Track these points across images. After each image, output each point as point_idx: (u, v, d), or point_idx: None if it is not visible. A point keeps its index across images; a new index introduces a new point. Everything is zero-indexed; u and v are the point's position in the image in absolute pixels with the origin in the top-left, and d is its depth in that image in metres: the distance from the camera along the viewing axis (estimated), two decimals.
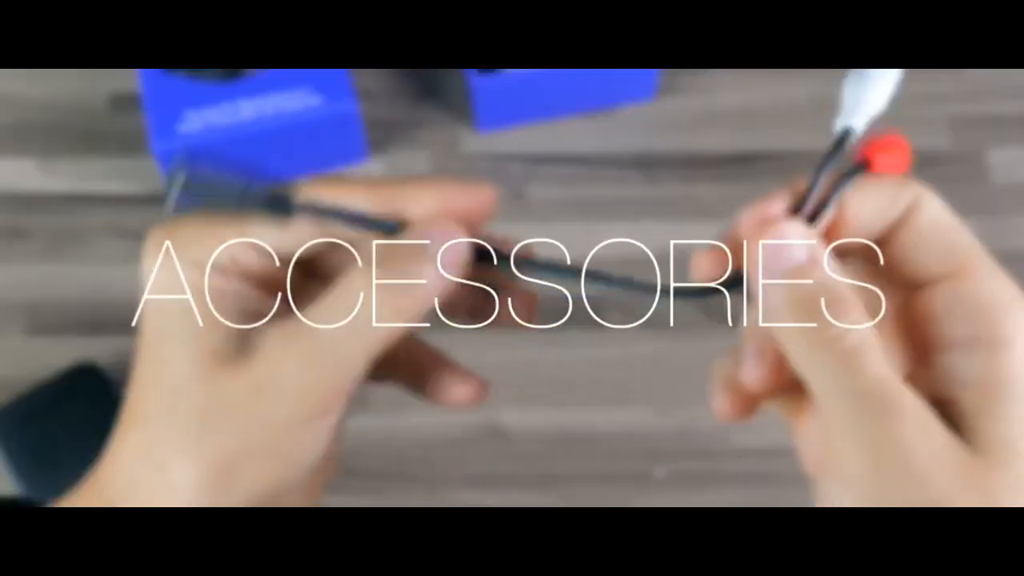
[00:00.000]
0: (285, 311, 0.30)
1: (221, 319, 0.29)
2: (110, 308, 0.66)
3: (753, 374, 0.30)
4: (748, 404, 0.31)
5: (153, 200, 0.69)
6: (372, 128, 0.70)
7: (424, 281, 0.29)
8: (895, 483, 0.26)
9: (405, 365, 0.35)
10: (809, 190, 0.30)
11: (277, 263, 0.31)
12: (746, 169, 0.71)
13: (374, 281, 0.29)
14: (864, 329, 0.27)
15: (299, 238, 0.30)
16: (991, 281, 0.28)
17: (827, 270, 0.28)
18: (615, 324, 0.66)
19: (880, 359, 0.27)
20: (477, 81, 0.68)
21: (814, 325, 0.27)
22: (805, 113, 0.73)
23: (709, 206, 0.69)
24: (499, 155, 0.71)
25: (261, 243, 0.30)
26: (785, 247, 0.28)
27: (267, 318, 0.30)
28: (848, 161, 0.31)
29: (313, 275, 0.32)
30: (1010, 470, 0.26)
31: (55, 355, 0.63)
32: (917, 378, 0.28)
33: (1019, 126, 0.72)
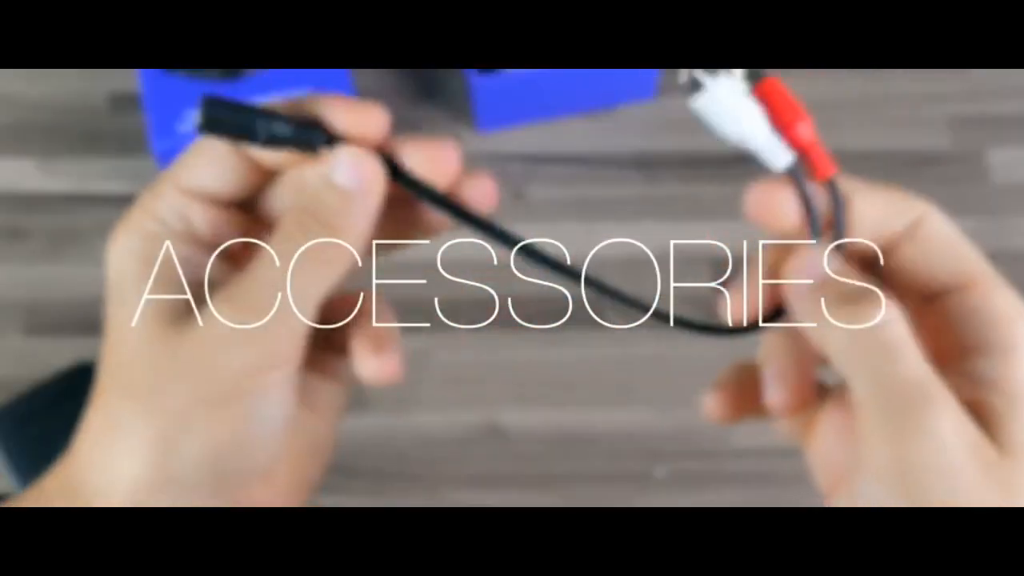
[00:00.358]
0: (233, 267, 0.31)
1: (166, 287, 0.30)
2: None
3: (777, 397, 0.31)
4: (740, 410, 0.32)
5: None
6: None
7: (343, 242, 0.30)
8: (926, 473, 0.26)
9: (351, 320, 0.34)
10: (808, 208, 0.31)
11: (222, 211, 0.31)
12: (746, 169, 0.71)
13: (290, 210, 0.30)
14: (902, 324, 0.28)
15: (228, 170, 0.31)
16: (1000, 293, 0.29)
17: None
18: (615, 324, 0.66)
19: (918, 353, 0.28)
20: (477, 81, 0.68)
21: (854, 320, 0.28)
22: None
23: (709, 206, 0.69)
24: (499, 155, 0.71)
25: (194, 185, 0.30)
26: (813, 266, 0.30)
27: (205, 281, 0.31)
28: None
29: (259, 227, 0.32)
30: None
31: (54, 355, 0.63)
32: None
33: (1019, 126, 0.72)
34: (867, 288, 0.29)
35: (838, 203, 0.31)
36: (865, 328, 0.28)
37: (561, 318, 0.66)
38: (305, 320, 0.30)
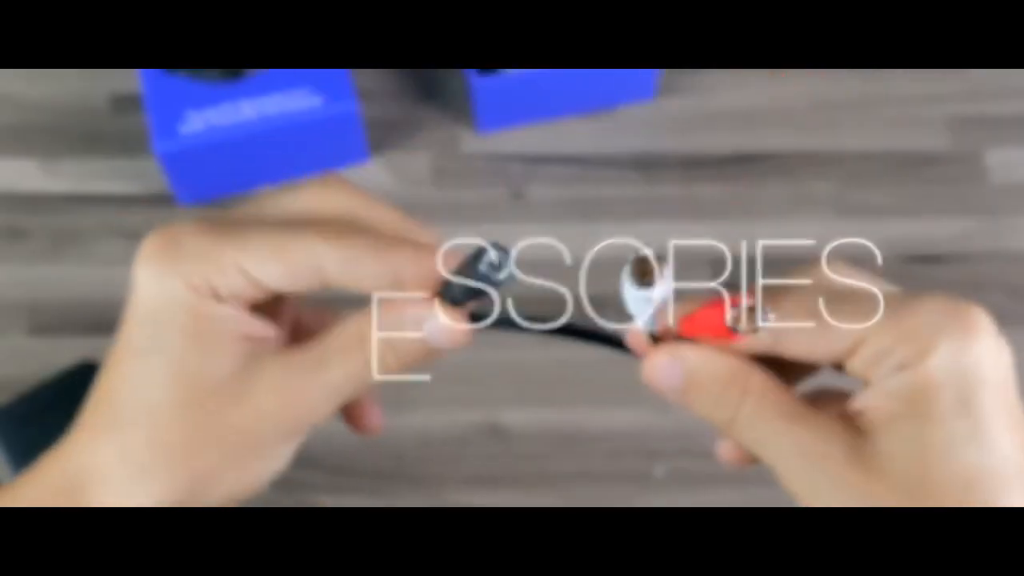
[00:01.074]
0: (273, 338, 0.32)
1: (210, 347, 0.31)
2: (111, 308, 0.65)
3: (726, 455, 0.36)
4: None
5: (154, 200, 0.69)
6: (372, 128, 0.70)
7: (422, 336, 0.32)
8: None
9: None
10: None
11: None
12: (744, 169, 0.71)
13: (374, 335, 0.31)
14: (752, 396, 0.31)
15: (297, 279, 0.31)
16: (886, 331, 0.30)
17: (701, 372, 0.33)
18: (614, 325, 0.66)
19: (774, 406, 0.31)
20: (477, 82, 0.68)
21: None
22: (803, 114, 0.73)
23: (708, 206, 0.70)
24: (499, 155, 0.71)
25: (259, 277, 0.31)
26: (663, 373, 0.34)
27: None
28: None
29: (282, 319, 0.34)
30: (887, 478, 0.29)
31: (56, 354, 0.63)
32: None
33: (1017, 126, 0.73)
34: (720, 382, 0.32)
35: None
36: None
37: (561, 318, 0.66)
38: (332, 413, 0.32)
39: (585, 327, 0.35)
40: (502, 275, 0.31)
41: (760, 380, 0.32)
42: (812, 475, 0.30)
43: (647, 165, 0.71)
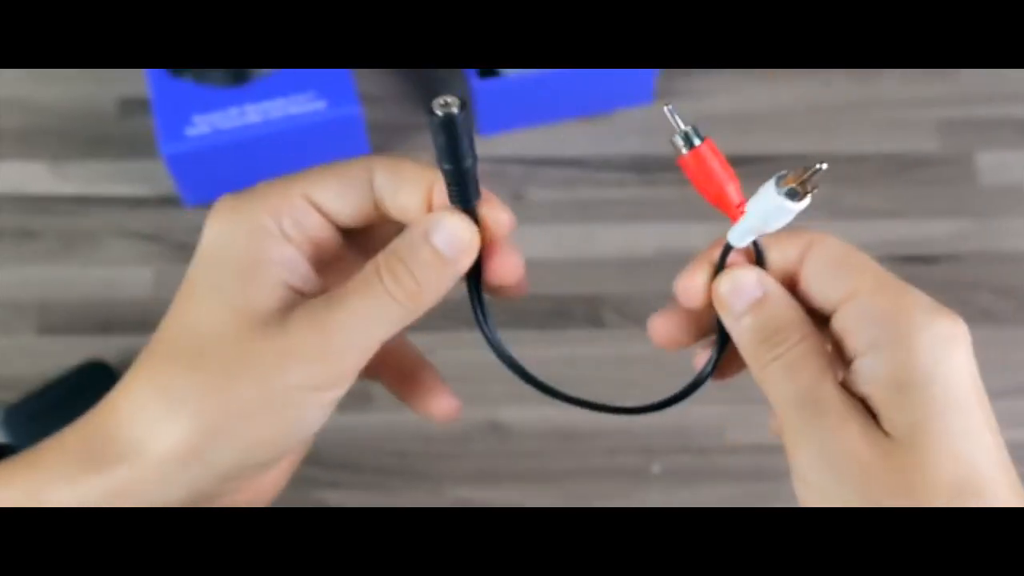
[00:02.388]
0: (330, 281, 0.33)
1: (257, 286, 0.31)
2: (119, 308, 0.67)
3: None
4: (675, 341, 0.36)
5: (161, 202, 0.70)
6: (375, 132, 0.71)
7: (432, 275, 0.32)
8: (828, 466, 0.30)
9: (393, 368, 0.38)
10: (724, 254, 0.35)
11: (334, 233, 0.33)
12: (742, 171, 0.71)
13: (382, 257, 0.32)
14: (801, 345, 0.32)
15: (361, 210, 0.33)
16: (880, 296, 0.31)
17: (775, 301, 0.33)
18: (613, 324, 0.67)
19: (813, 369, 0.31)
20: (477, 85, 0.69)
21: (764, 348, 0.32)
22: (797, 117, 0.74)
23: (706, 208, 0.70)
24: (499, 157, 0.72)
25: (321, 202, 0.32)
26: (743, 287, 0.33)
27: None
28: None
29: (360, 249, 0.35)
30: (915, 450, 0.29)
31: (65, 354, 0.64)
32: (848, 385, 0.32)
33: (1007, 129, 0.73)
34: (779, 317, 0.32)
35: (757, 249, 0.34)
36: (771, 355, 0.32)
37: (560, 318, 0.67)
38: (370, 353, 0.32)
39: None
40: (454, 110, 0.30)
41: (818, 341, 0.32)
42: (832, 443, 0.30)
43: (645, 167, 0.72)
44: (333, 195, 0.33)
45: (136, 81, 0.71)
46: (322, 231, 0.33)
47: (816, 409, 0.31)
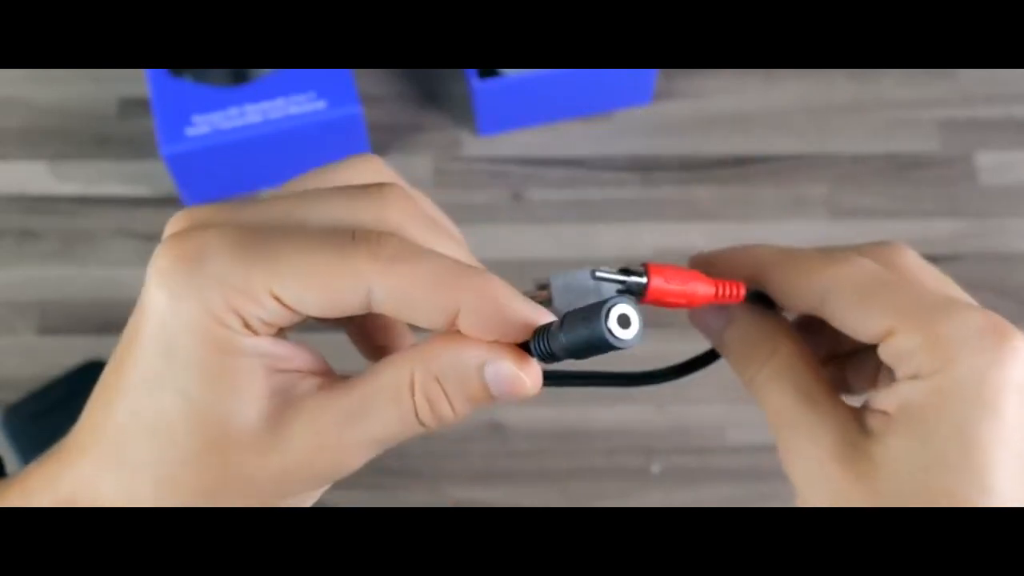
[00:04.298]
0: (316, 356, 0.28)
1: (234, 389, 0.26)
2: (119, 308, 0.66)
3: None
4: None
5: (161, 202, 0.70)
6: (375, 132, 0.71)
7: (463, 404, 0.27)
8: (802, 477, 0.30)
9: (369, 335, 0.34)
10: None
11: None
12: (741, 171, 0.72)
13: (418, 383, 0.27)
14: (779, 358, 0.32)
15: (341, 307, 0.26)
16: (919, 328, 0.29)
17: (741, 323, 0.33)
18: None
19: (794, 377, 0.31)
20: (478, 85, 0.69)
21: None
22: (797, 118, 0.74)
23: (705, 208, 0.70)
24: (499, 158, 0.72)
25: (295, 305, 0.26)
26: (709, 318, 0.34)
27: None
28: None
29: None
30: (887, 478, 0.28)
31: (65, 354, 0.64)
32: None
33: (1006, 129, 0.74)
34: (757, 336, 0.32)
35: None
36: (744, 378, 0.33)
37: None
38: (370, 457, 0.28)
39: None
40: (627, 337, 0.25)
41: (790, 349, 0.31)
42: (804, 459, 0.30)
43: (645, 168, 0.72)
44: (311, 301, 0.26)
45: (136, 81, 0.71)
46: (294, 319, 0.27)
47: (797, 418, 0.31)
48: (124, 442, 0.27)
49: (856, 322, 0.30)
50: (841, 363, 0.35)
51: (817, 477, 0.29)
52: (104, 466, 0.27)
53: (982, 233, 0.70)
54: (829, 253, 0.32)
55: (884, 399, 0.29)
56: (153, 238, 0.69)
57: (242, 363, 0.26)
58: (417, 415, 0.27)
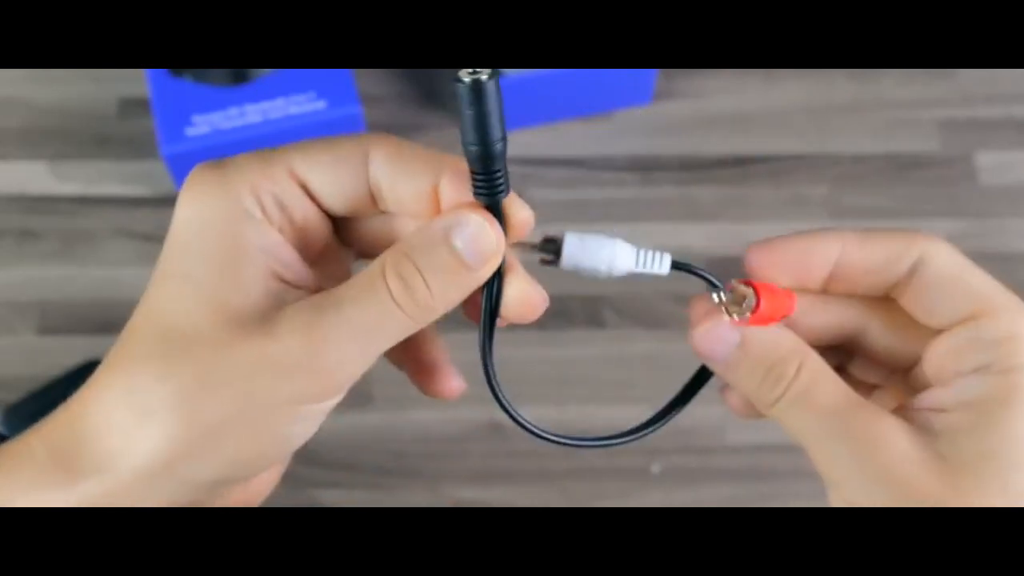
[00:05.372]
0: (313, 280, 0.29)
1: (239, 276, 0.27)
2: (119, 308, 0.66)
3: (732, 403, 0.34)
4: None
5: (161, 202, 0.70)
6: (375, 132, 0.71)
7: (450, 285, 0.28)
8: (876, 490, 0.28)
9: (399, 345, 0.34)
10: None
11: (320, 216, 0.29)
12: (740, 171, 0.72)
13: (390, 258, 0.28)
14: (802, 375, 0.29)
15: (347, 183, 0.28)
16: (1005, 317, 0.29)
17: (757, 340, 0.31)
18: (612, 324, 0.67)
19: (827, 392, 0.29)
20: None
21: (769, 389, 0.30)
22: (797, 117, 0.74)
23: (705, 208, 0.70)
24: None
25: (309, 179, 0.28)
26: (719, 339, 0.31)
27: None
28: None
29: (348, 241, 0.31)
30: (972, 475, 0.27)
31: (65, 354, 0.64)
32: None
33: (1007, 129, 0.74)
34: (771, 355, 0.30)
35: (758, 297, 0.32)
36: (774, 393, 0.30)
37: (560, 318, 0.67)
38: (366, 366, 0.28)
39: None
40: (483, 77, 0.26)
41: (818, 361, 0.30)
42: (868, 469, 0.28)
43: (644, 167, 0.72)
44: (323, 173, 0.28)
45: (136, 81, 0.71)
46: (308, 216, 0.29)
47: (848, 430, 0.29)
48: (131, 338, 0.28)
49: (937, 302, 0.29)
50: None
51: (888, 484, 0.28)
52: (114, 371, 0.28)
53: (982, 233, 0.70)
54: (890, 233, 0.31)
55: (943, 398, 0.29)
56: (153, 238, 0.69)
57: (249, 258, 0.27)
58: (392, 296, 0.27)
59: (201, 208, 0.28)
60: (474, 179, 0.28)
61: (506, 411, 0.32)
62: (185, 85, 0.67)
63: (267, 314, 0.27)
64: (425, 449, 0.63)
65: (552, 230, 0.32)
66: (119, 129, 0.73)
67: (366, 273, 0.28)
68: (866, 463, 0.28)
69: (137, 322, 0.29)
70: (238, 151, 0.70)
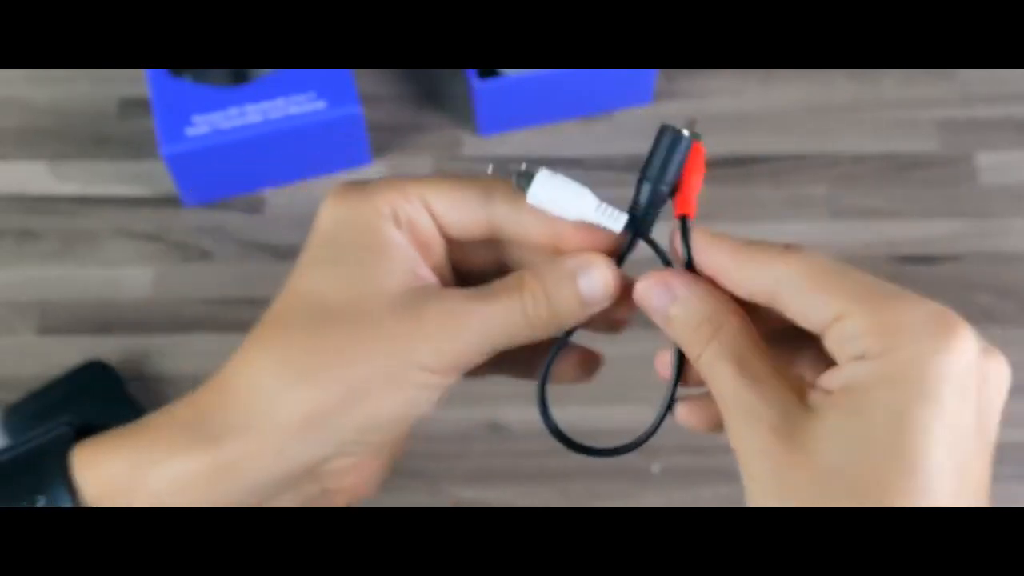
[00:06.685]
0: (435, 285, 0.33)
1: (384, 263, 0.31)
2: (119, 308, 0.67)
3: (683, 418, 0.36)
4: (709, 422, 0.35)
5: (161, 202, 0.70)
6: (375, 132, 0.71)
7: (582, 294, 0.33)
8: (742, 446, 0.31)
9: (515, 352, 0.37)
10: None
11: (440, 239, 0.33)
12: (740, 171, 0.72)
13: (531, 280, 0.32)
14: (713, 346, 0.32)
15: (470, 213, 0.33)
16: (871, 311, 0.29)
17: (694, 297, 0.33)
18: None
19: (745, 351, 0.31)
20: (478, 85, 0.69)
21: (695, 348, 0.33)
22: (797, 118, 0.74)
23: (704, 207, 0.70)
24: (499, 157, 0.72)
25: (438, 210, 0.33)
26: (656, 284, 0.34)
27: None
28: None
29: (462, 262, 0.35)
30: (815, 454, 0.29)
31: (65, 354, 0.64)
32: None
33: (1007, 129, 0.74)
34: (704, 317, 0.32)
35: (686, 235, 0.36)
36: (692, 358, 0.33)
37: None
38: (482, 358, 0.32)
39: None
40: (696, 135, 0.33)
41: (736, 327, 0.32)
42: (746, 435, 0.30)
43: None
44: (449, 205, 0.33)
45: (136, 81, 0.71)
46: (430, 235, 0.33)
47: (743, 395, 0.31)
48: (280, 313, 0.31)
49: (808, 308, 0.31)
50: (790, 355, 0.35)
51: (758, 452, 0.30)
52: (263, 341, 0.31)
53: (982, 233, 0.70)
54: (774, 245, 0.33)
55: (828, 379, 0.30)
56: (153, 238, 0.70)
57: (389, 251, 0.32)
58: (523, 306, 0.32)
59: (347, 209, 0.32)
60: (635, 206, 0.35)
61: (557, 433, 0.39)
62: (185, 85, 0.67)
63: (409, 298, 0.31)
64: (425, 449, 0.63)
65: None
66: (119, 129, 0.73)
67: (506, 281, 0.32)
68: (747, 429, 0.30)
69: (285, 300, 0.32)
70: (238, 151, 0.71)
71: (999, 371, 0.29)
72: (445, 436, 0.63)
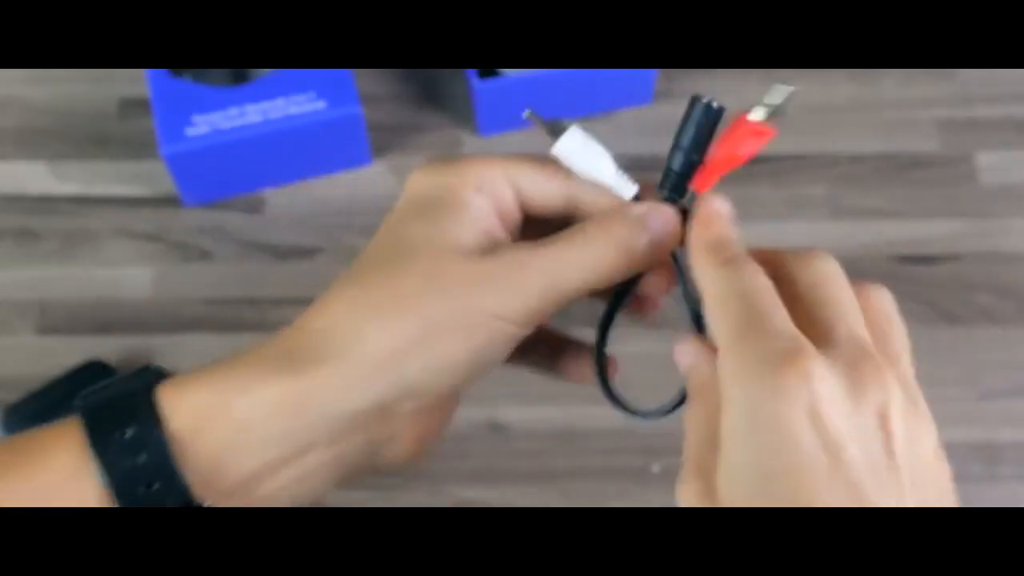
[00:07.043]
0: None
1: (461, 220, 0.33)
2: (119, 308, 0.67)
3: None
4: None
5: (161, 202, 0.70)
6: (375, 132, 0.71)
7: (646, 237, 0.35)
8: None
9: (542, 347, 0.40)
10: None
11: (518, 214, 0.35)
12: (740, 171, 0.72)
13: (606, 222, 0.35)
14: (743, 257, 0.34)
15: (549, 190, 0.35)
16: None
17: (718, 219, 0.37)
18: (612, 324, 0.67)
19: (745, 277, 0.34)
20: (478, 85, 0.69)
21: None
22: (796, 118, 0.74)
23: None
24: None
25: (520, 183, 0.34)
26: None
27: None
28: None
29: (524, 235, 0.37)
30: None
31: (65, 354, 0.64)
32: None
33: (1006, 129, 0.74)
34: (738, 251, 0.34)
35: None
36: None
37: (560, 318, 0.67)
38: (555, 304, 0.34)
39: None
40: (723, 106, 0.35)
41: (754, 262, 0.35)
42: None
43: (644, 167, 0.71)
44: (531, 180, 0.35)
45: (136, 81, 0.71)
46: (510, 207, 0.35)
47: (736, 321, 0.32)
48: (364, 259, 0.34)
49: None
50: None
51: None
52: (343, 286, 0.33)
53: (982, 233, 0.70)
54: (742, 257, 0.34)
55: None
56: (153, 238, 0.70)
57: (470, 211, 0.33)
58: (593, 252, 0.34)
59: (433, 175, 0.34)
60: (667, 179, 0.37)
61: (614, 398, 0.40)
62: (185, 85, 0.67)
63: (480, 247, 0.33)
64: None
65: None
66: (119, 129, 0.73)
67: (568, 231, 0.34)
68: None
69: (366, 251, 0.34)
70: (238, 151, 0.71)
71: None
72: (445, 436, 0.63)
